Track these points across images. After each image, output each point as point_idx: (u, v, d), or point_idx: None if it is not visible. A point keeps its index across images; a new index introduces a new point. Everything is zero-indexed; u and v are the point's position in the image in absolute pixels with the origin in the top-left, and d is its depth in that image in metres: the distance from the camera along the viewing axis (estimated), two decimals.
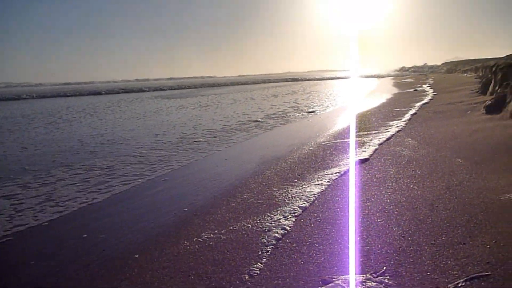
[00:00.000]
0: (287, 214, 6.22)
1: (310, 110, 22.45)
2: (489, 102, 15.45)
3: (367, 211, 6.02)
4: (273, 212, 6.32)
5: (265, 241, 5.31)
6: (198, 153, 11.53)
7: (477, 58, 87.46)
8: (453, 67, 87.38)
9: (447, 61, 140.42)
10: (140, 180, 8.31)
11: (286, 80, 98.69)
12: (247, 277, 4.45)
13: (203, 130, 16.30)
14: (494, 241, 4.59)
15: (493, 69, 19.21)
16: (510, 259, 4.14)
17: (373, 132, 13.10)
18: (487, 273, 4.01)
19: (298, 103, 27.56)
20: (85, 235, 6.14)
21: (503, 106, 14.11)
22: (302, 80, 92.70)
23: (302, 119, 19.72)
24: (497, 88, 17.03)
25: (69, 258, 5.38)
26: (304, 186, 7.64)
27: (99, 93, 60.40)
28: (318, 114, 21.65)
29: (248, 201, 7.01)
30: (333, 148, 11.19)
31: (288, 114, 20.29)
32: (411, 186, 7.01)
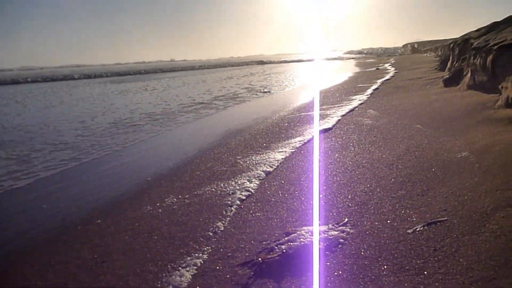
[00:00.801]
0: (251, 178, 6.24)
1: (266, 90, 21.79)
2: (447, 76, 15.97)
3: (330, 172, 6.11)
4: (238, 177, 6.32)
5: (229, 202, 5.31)
6: (144, 134, 11.14)
7: (437, 39, 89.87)
8: (413, 51, 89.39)
9: (407, 42, 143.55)
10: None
11: (249, 63, 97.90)
12: (211, 234, 4.44)
13: (141, 114, 15.40)
14: (450, 192, 4.77)
15: (451, 45, 19.78)
16: (465, 206, 4.32)
17: (337, 105, 13.29)
18: (444, 219, 4.17)
19: (253, 85, 27.00)
20: (44, 206, 5.94)
21: (460, 79, 14.60)
22: (266, 63, 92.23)
23: (259, 98, 19.43)
24: (455, 63, 17.60)
25: (28, 226, 5.21)
26: (268, 153, 7.68)
27: (36, 81, 55.57)
28: (276, 93, 21.56)
29: (213, 169, 6.98)
30: (297, 120, 11.27)
31: (240, 95, 19.76)
32: (373, 149, 7.17)
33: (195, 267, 3.73)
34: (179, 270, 3.68)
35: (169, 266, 3.74)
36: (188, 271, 3.68)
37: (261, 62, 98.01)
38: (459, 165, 5.68)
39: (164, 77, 51.98)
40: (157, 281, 3.53)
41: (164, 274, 3.63)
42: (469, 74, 14.05)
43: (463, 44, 17.03)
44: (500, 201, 4.26)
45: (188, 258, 3.89)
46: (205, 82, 31.69)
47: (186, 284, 3.46)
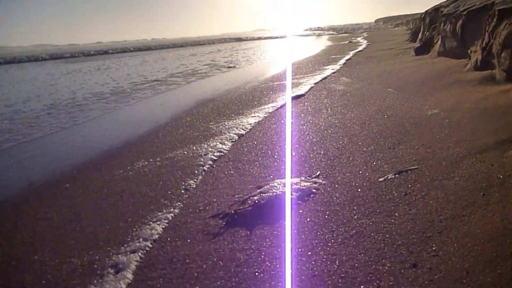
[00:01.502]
0: (224, 140, 6.17)
1: (231, 65, 20.38)
2: (418, 45, 16.14)
3: (302, 133, 6.10)
4: (210, 140, 6.25)
5: (201, 162, 5.24)
6: (97, 112, 10.08)
7: (408, 13, 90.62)
8: (385, 22, 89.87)
9: (379, 17, 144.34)
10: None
11: (228, 40, 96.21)
12: (182, 192, 4.38)
13: (85, 94, 13.70)
14: (421, 144, 4.83)
15: (422, 15, 19.93)
16: (435, 156, 4.39)
17: (309, 75, 13.27)
18: (414, 167, 4.20)
19: (216, 61, 24.85)
20: (10, 174, 5.73)
21: (431, 47, 14.77)
22: (244, 39, 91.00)
23: (224, 73, 18.80)
24: (426, 32, 17.77)
25: None
26: (241, 118, 7.61)
27: None
28: (244, 67, 20.78)
29: (184, 135, 6.87)
30: (270, 89, 11.21)
31: (200, 71, 18.55)
32: (345, 111, 7.19)
33: (166, 221, 3.68)
34: (149, 225, 3.61)
35: (139, 222, 3.66)
36: (159, 224, 3.61)
37: (239, 39, 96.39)
38: (429, 121, 5.76)
39: (127, 56, 49.89)
40: (127, 235, 3.47)
41: (134, 229, 3.56)
42: (439, 42, 14.23)
43: (434, 13, 17.17)
44: (469, 150, 4.36)
45: (159, 214, 3.83)
46: (165, 60, 30.69)
47: (157, 236, 3.40)
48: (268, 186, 4.10)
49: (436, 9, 16.95)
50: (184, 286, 2.66)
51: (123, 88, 14.54)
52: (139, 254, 3.13)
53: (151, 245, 3.27)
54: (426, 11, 18.90)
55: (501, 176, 3.56)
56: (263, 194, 3.90)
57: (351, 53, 20.85)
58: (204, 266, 2.82)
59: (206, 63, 25.37)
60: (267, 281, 2.54)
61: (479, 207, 3.09)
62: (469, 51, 11.05)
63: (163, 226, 3.58)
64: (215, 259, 2.91)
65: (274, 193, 3.89)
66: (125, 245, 3.31)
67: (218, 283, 2.61)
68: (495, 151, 4.17)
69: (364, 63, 15.40)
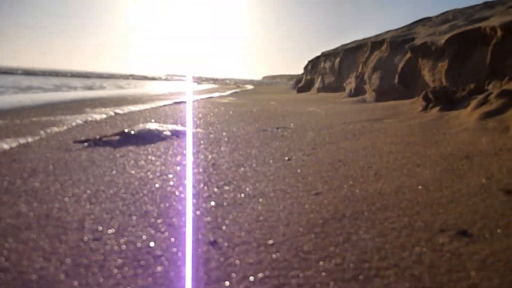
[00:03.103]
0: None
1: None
2: (300, 85, 17.48)
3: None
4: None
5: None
6: None
7: (293, 74, 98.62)
8: (272, 79, 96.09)
9: (267, 75, 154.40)
10: None
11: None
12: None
13: None
14: (302, 121, 5.04)
15: (306, 65, 21.84)
16: (302, 123, 4.62)
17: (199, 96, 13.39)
18: (291, 127, 4.35)
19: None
20: None
21: (312, 86, 16.21)
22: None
23: None
24: (307, 76, 19.43)
25: None
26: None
27: None
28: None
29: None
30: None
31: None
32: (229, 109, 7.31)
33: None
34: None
35: None
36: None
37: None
38: (311, 113, 6.15)
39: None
40: None
41: None
42: (319, 80, 15.63)
43: (315, 60, 18.91)
44: (340, 123, 4.66)
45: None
46: None
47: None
48: (141, 126, 3.88)
49: (318, 57, 18.67)
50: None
51: None
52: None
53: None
54: (309, 61, 20.72)
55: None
56: (133, 129, 3.72)
57: (239, 89, 21.77)
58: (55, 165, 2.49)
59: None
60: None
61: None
62: (344, 84, 12.29)
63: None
64: (67, 160, 2.65)
65: (145, 129, 3.74)
66: None
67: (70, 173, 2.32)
68: (362, 123, 4.74)
69: (250, 94, 16.15)
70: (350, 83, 11.99)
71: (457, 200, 1.84)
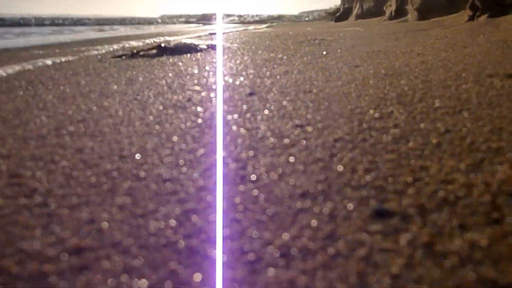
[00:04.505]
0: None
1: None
2: (338, 14, 16.77)
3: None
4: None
5: None
6: None
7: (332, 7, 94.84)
8: (310, 14, 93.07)
9: (303, 10, 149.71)
10: None
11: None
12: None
13: None
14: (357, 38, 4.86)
15: None
16: (340, 37, 4.48)
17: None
18: (328, 39, 4.21)
19: None
20: None
21: (350, 14, 15.55)
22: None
23: None
24: (345, 5, 18.57)
25: None
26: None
27: None
28: None
29: None
30: None
31: None
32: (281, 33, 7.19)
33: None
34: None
35: None
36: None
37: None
38: (348, 31, 5.96)
39: None
40: None
41: None
42: (357, 6, 14.96)
43: None
44: (385, 36, 4.44)
45: None
46: None
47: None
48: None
49: None
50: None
51: None
52: None
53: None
54: None
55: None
56: (169, 44, 3.78)
57: (274, 23, 21.29)
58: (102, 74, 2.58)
59: None
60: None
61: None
62: (384, 7, 11.74)
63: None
64: (106, 67, 2.84)
65: (182, 43, 3.78)
66: None
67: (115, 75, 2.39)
68: (404, 33, 4.45)
69: (285, 26, 15.76)
70: (390, 5, 11.45)
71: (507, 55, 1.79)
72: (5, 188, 0.72)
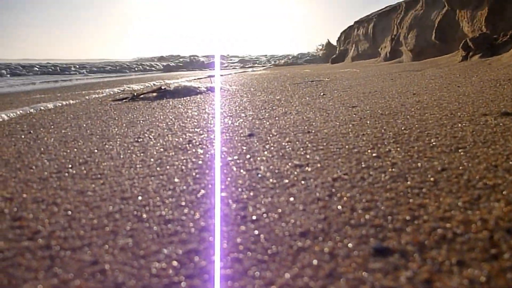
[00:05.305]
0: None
1: None
2: (334, 56, 17.18)
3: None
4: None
5: None
6: None
7: None
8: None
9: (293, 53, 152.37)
10: None
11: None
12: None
13: None
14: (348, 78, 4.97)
15: (339, 36, 21.47)
16: (337, 78, 4.56)
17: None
18: (325, 80, 4.32)
19: None
20: None
21: (346, 56, 15.90)
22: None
23: None
24: (341, 47, 19.04)
25: None
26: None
27: None
28: None
29: None
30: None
31: None
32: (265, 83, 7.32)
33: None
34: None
35: None
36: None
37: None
38: (345, 72, 6.05)
39: None
40: None
41: None
42: (353, 48, 15.35)
43: (348, 30, 18.54)
44: (382, 76, 4.55)
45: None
46: None
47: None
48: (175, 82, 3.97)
49: (350, 26, 18.31)
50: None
51: None
52: None
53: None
54: (342, 31, 20.36)
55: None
56: (169, 86, 3.84)
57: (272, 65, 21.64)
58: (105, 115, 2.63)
59: None
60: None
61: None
62: (379, 49, 12.04)
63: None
64: (107, 110, 2.79)
65: (181, 85, 3.84)
66: None
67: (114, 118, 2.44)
68: (399, 73, 4.44)
69: (282, 68, 16.09)
70: (385, 47, 11.74)
71: (500, 94, 1.84)
72: (8, 230, 0.73)
